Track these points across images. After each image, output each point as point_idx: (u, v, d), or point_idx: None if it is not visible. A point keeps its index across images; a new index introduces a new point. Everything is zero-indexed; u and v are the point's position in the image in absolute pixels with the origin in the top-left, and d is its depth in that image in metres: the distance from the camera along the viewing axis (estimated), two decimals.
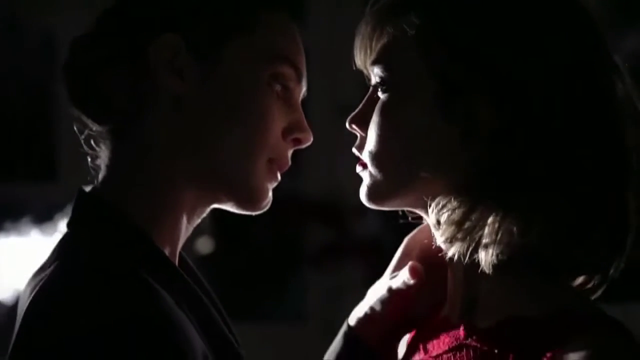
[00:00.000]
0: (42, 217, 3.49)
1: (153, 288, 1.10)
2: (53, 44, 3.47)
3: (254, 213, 1.27)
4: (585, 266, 1.17)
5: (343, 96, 3.32)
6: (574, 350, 1.08)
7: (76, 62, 1.24)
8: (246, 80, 1.23)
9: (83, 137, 1.27)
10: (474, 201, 1.13)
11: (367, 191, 1.22)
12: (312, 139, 1.29)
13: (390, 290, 1.30)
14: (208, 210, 1.27)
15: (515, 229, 1.11)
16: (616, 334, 1.11)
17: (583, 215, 1.13)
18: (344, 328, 1.36)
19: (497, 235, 1.12)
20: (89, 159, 1.27)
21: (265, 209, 1.27)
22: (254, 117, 1.23)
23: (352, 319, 1.35)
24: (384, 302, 1.31)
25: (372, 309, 1.33)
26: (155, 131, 1.22)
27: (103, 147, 1.25)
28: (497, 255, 1.12)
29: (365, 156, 1.22)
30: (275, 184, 1.28)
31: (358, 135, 1.25)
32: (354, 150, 1.25)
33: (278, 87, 1.25)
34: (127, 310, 1.06)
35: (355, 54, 1.24)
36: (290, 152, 1.28)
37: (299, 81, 1.28)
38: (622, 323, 1.13)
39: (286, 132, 1.26)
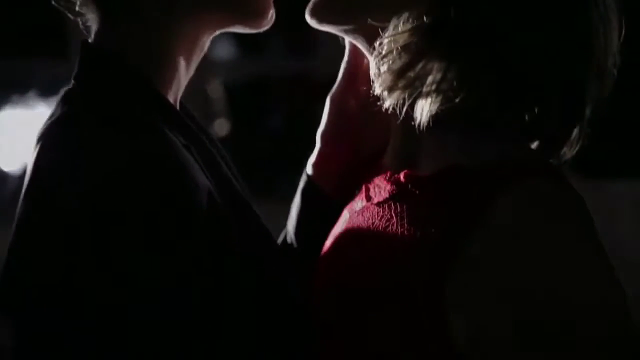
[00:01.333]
0: (50, 91, 3.48)
1: (160, 129, 1.13)
2: None
3: (261, 29, 1.27)
4: (533, 128, 1.16)
5: None
6: (505, 196, 1.08)
7: None
8: None
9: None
10: (417, 52, 1.12)
11: (312, 4, 1.22)
12: None
13: (330, 99, 1.32)
14: (208, 43, 1.26)
15: (455, 83, 1.11)
16: (549, 181, 1.10)
17: (527, 77, 1.13)
18: (302, 177, 1.34)
19: (437, 90, 1.11)
20: (80, 23, 1.26)
21: (270, 23, 1.26)
22: None
23: (309, 166, 1.34)
24: (332, 127, 1.33)
25: (321, 146, 1.33)
26: None
27: (89, 11, 1.24)
28: (435, 110, 1.11)
29: None
30: None
31: None
32: None
33: None
34: (136, 150, 1.09)
35: None
36: None
37: None
38: (562, 173, 1.13)
39: None
